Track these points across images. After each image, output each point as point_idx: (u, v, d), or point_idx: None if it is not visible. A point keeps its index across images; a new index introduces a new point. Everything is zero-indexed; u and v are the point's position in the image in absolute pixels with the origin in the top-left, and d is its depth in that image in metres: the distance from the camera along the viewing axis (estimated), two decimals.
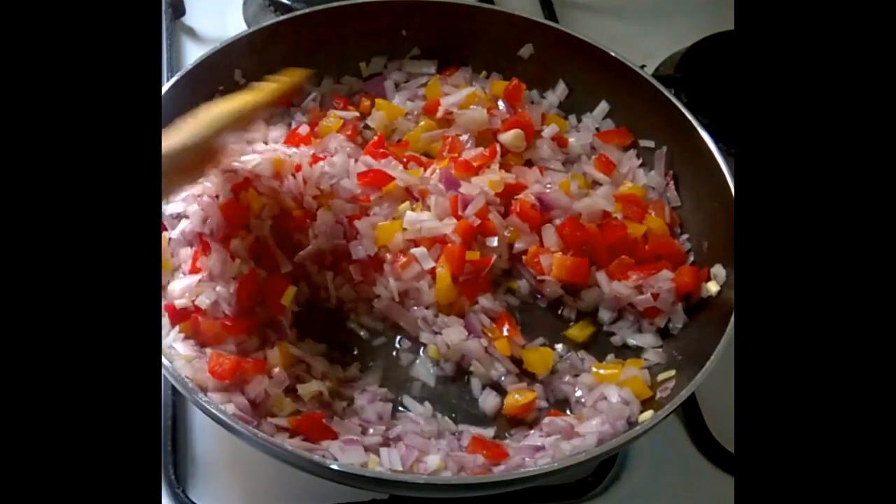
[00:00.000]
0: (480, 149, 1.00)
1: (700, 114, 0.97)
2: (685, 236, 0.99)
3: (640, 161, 1.04)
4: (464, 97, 1.03)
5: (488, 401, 0.87)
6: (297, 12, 1.02)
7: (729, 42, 1.21)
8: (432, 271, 0.90)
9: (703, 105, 1.10)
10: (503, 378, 0.88)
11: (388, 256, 0.92)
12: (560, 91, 1.08)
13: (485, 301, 0.91)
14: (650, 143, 1.03)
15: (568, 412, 0.87)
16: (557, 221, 0.96)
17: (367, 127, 1.05)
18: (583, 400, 0.87)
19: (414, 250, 0.91)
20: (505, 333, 0.89)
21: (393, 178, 0.95)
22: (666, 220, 0.99)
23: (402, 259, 0.91)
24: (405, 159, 0.99)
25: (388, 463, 0.78)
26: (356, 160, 0.97)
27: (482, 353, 0.88)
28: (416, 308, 0.91)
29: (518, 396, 0.86)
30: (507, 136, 1.02)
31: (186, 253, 0.89)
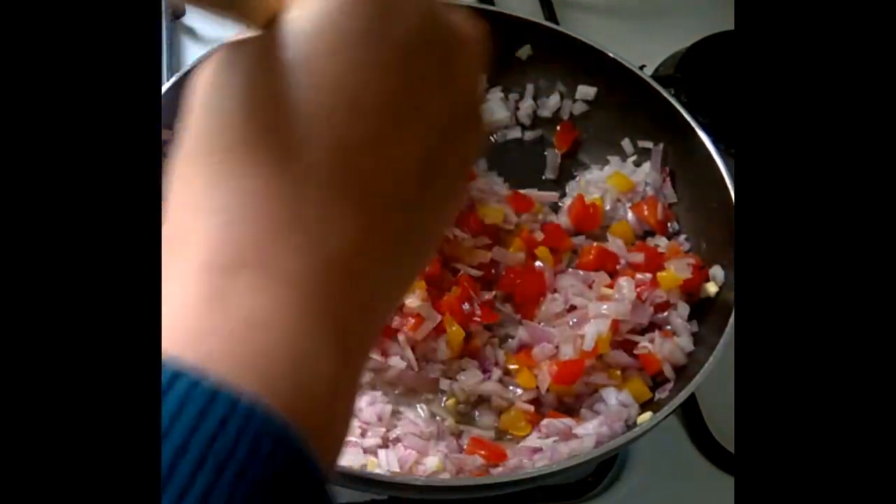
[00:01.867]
0: None
1: (700, 114, 0.97)
2: (683, 236, 0.99)
3: (635, 156, 1.04)
4: None
5: (483, 419, 0.87)
6: None
7: (729, 42, 1.21)
8: (441, 327, 0.86)
9: (703, 105, 1.10)
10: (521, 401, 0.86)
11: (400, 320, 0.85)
12: (559, 92, 1.08)
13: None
14: (648, 144, 1.03)
15: (566, 413, 0.87)
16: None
17: None
18: (581, 401, 0.87)
19: (418, 305, 0.85)
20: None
21: None
22: (658, 216, 0.99)
23: (412, 320, 0.85)
24: None
25: (387, 465, 0.78)
26: None
27: (500, 389, 0.86)
28: (429, 365, 0.87)
29: (514, 414, 0.85)
30: None
31: None
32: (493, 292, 0.91)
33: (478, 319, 0.88)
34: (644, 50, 1.19)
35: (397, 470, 0.78)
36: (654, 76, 1.04)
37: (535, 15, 1.19)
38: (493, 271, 0.92)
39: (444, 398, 0.86)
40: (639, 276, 0.91)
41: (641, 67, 1.03)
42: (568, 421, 0.83)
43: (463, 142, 0.36)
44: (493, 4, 1.23)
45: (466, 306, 0.87)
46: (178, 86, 0.93)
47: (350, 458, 0.77)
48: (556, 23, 1.24)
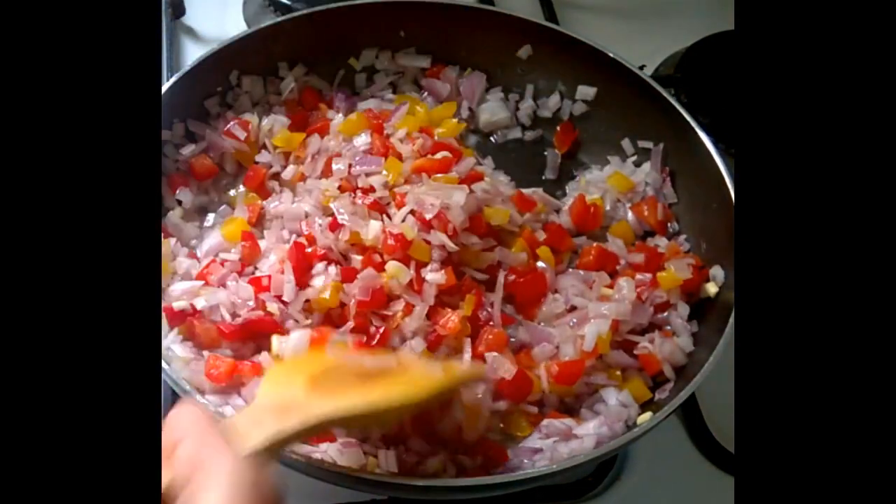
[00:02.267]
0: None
1: (700, 114, 0.97)
2: (683, 236, 0.99)
3: (634, 156, 1.05)
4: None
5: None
6: (297, 12, 1.02)
7: (729, 42, 1.21)
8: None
9: (703, 105, 1.11)
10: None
11: None
12: (559, 92, 1.08)
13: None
14: (648, 144, 1.03)
15: (566, 413, 0.87)
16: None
17: None
18: (582, 402, 0.87)
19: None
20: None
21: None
22: (658, 216, 0.99)
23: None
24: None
25: (386, 465, 0.78)
26: None
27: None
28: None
29: (515, 415, 0.85)
30: None
31: (188, 262, 0.89)
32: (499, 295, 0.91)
33: (492, 325, 0.88)
34: (644, 50, 1.19)
35: (395, 470, 0.78)
36: (654, 76, 1.04)
37: (535, 15, 1.19)
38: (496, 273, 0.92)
39: None
40: (639, 276, 0.91)
41: (641, 67, 1.03)
42: (568, 421, 0.83)
43: None
44: (493, 4, 1.23)
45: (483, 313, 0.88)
46: (178, 85, 0.94)
47: (350, 459, 0.77)
48: (556, 23, 1.24)
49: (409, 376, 0.73)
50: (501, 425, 0.85)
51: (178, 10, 1.23)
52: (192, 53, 1.19)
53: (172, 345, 0.81)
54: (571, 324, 0.87)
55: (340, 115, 1.03)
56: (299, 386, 0.66)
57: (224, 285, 0.87)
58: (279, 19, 1.03)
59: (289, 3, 1.16)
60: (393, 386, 0.70)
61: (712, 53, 1.20)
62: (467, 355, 0.85)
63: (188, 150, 0.97)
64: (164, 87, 0.91)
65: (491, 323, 0.87)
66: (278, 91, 1.05)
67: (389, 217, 0.89)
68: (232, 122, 0.99)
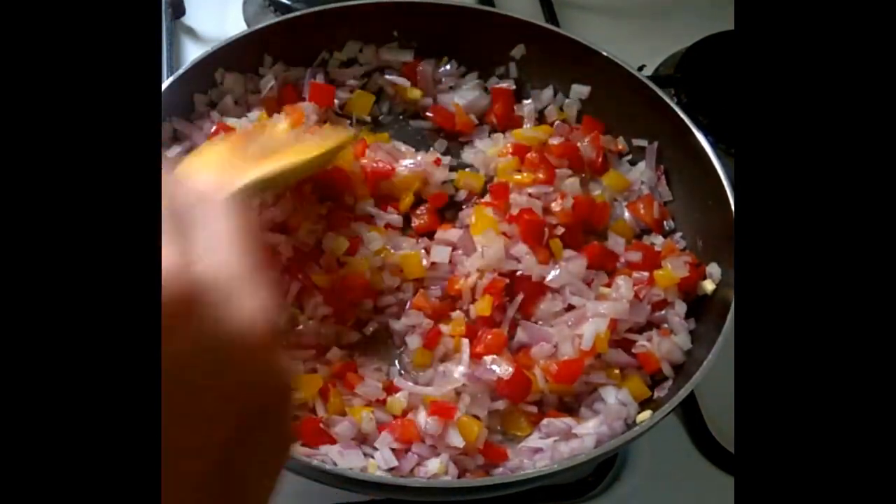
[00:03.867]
0: None
1: (700, 114, 0.97)
2: (679, 234, 0.99)
3: (630, 155, 1.05)
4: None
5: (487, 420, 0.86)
6: (297, 13, 1.02)
7: (729, 42, 1.21)
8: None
9: (703, 105, 1.11)
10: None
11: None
12: (552, 90, 1.08)
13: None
14: (643, 142, 1.03)
15: (566, 412, 0.87)
16: None
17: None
18: (581, 401, 0.87)
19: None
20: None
21: None
22: (655, 214, 0.99)
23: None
24: None
25: (385, 464, 0.78)
26: None
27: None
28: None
29: (516, 414, 0.86)
30: None
31: None
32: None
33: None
34: (644, 50, 1.19)
35: (395, 464, 0.78)
36: (653, 76, 1.04)
37: (535, 15, 1.19)
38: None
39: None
40: (636, 274, 0.91)
41: (641, 68, 1.03)
42: (568, 420, 0.82)
43: (258, 443, 0.37)
44: (493, 5, 1.23)
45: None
46: (178, 85, 0.94)
47: (350, 461, 0.77)
48: (556, 23, 1.23)
49: (297, 149, 0.87)
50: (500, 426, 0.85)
51: (178, 10, 1.23)
52: (192, 53, 1.19)
53: None
54: (569, 323, 0.87)
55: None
56: (225, 156, 0.77)
57: None
58: (279, 19, 1.02)
59: (289, 3, 1.16)
60: (289, 154, 0.84)
61: (712, 53, 1.20)
62: (465, 356, 0.85)
63: (174, 151, 0.97)
64: (164, 86, 0.91)
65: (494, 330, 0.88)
66: (257, 89, 1.04)
67: None
68: (216, 128, 0.97)
